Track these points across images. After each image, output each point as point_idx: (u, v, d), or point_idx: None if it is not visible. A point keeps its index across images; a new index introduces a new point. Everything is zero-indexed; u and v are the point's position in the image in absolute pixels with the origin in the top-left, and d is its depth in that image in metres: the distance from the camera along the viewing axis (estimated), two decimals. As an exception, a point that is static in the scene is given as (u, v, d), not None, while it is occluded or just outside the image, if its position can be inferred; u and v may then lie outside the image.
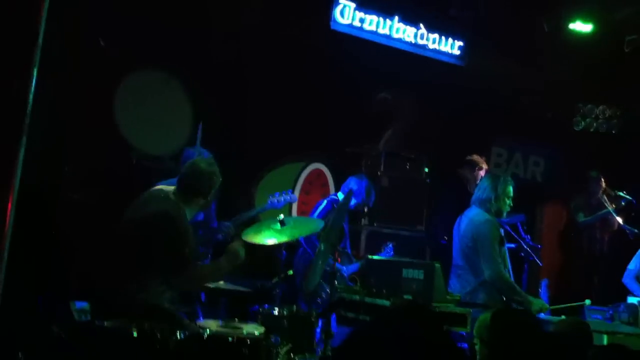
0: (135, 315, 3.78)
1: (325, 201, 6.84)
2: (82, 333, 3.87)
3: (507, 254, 5.68)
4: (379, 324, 2.50)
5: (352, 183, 6.91)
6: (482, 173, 8.07)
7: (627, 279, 7.05)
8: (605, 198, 8.31)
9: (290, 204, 7.35)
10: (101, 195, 6.10)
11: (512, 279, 5.56)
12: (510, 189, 5.57)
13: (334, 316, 5.04)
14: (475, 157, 8.17)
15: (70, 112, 6.09)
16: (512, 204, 5.64)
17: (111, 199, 5.74)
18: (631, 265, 7.10)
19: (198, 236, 5.64)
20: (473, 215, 5.57)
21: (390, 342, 2.27)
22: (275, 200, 6.49)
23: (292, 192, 6.75)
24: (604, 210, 8.29)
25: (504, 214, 5.62)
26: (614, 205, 8.26)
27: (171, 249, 4.06)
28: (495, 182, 5.57)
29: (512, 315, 3.75)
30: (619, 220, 8.05)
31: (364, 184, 6.92)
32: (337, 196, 6.83)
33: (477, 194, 5.64)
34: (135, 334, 3.63)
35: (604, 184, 8.44)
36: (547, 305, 5.52)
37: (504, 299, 5.38)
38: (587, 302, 5.92)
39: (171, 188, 4.39)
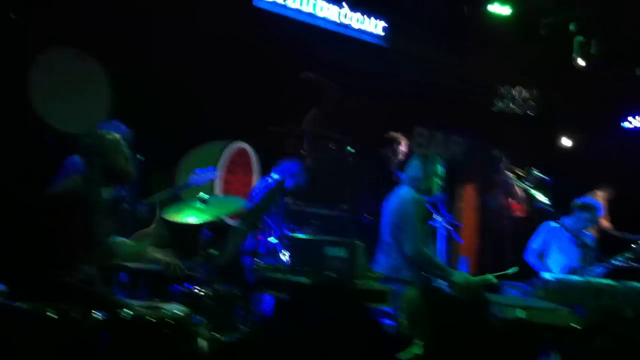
0: (53, 297, 3.68)
1: (261, 181, 6.84)
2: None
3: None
4: (299, 300, 2.51)
5: (290, 166, 6.95)
6: (402, 148, 8.19)
7: (531, 257, 7.29)
8: (510, 174, 8.50)
9: (212, 184, 7.29)
10: (16, 176, 5.89)
11: (435, 255, 5.68)
12: (439, 167, 5.66)
13: (267, 296, 5.04)
14: (394, 134, 8.28)
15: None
16: (441, 183, 5.73)
17: (26, 180, 5.54)
18: (534, 244, 7.35)
19: (123, 210, 5.54)
20: (402, 194, 5.65)
21: (309, 318, 2.27)
22: (197, 177, 6.43)
23: (214, 168, 6.67)
24: (504, 182, 8.46)
25: (434, 193, 5.70)
26: (525, 182, 8.47)
27: (79, 225, 3.93)
28: (423, 161, 5.65)
29: (434, 291, 3.83)
30: (539, 197, 8.27)
31: (301, 166, 6.99)
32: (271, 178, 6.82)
33: (407, 172, 5.70)
34: (52, 316, 3.54)
35: (507, 161, 8.64)
36: (469, 275, 5.61)
37: (424, 273, 5.48)
38: (512, 269, 6.08)
39: None
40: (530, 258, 7.30)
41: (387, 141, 8.30)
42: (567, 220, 7.14)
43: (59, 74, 6.41)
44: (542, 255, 7.29)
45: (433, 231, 6.74)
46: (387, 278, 5.30)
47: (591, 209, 7.22)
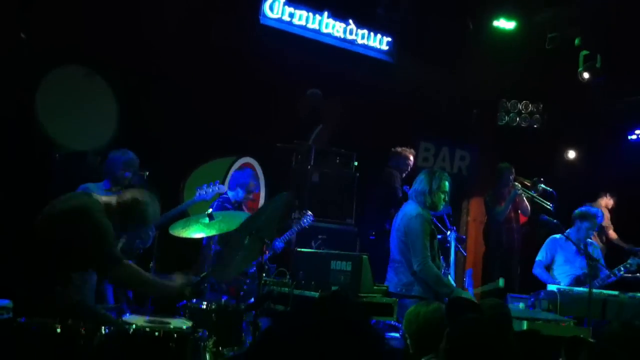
0: (58, 312, 3.71)
1: (215, 203, 6.86)
2: (2, 331, 3.77)
3: (446, 242, 5.79)
4: (300, 313, 2.53)
5: (239, 177, 6.91)
6: (409, 163, 8.23)
7: (538, 270, 7.31)
8: (518, 185, 8.53)
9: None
10: (23, 191, 5.95)
11: (442, 271, 5.68)
12: (446, 184, 5.68)
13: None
14: (401, 149, 8.32)
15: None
16: (447, 199, 5.76)
17: (33, 196, 5.60)
18: (539, 257, 7.38)
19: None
20: (407, 210, 5.67)
21: (311, 331, 2.29)
22: (204, 192, 6.47)
23: (220, 183, 6.70)
24: (512, 192, 8.51)
25: (440, 208, 5.73)
26: (531, 192, 8.50)
27: (91, 244, 3.97)
28: (430, 176, 5.66)
29: (438, 309, 3.83)
30: (545, 202, 8.26)
31: (249, 174, 7.04)
32: (227, 194, 6.79)
33: (414, 187, 5.72)
34: (58, 331, 3.57)
35: (514, 173, 8.67)
36: (473, 299, 5.59)
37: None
38: (501, 281, 6.08)
39: (103, 198, 4.30)
40: (537, 270, 7.32)
41: (393, 156, 8.35)
42: (571, 231, 7.16)
43: (67, 92, 6.50)
44: (549, 267, 7.31)
45: (443, 246, 6.77)
46: (397, 295, 5.30)
47: (590, 217, 7.25)
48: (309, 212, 7.16)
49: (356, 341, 2.29)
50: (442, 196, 5.65)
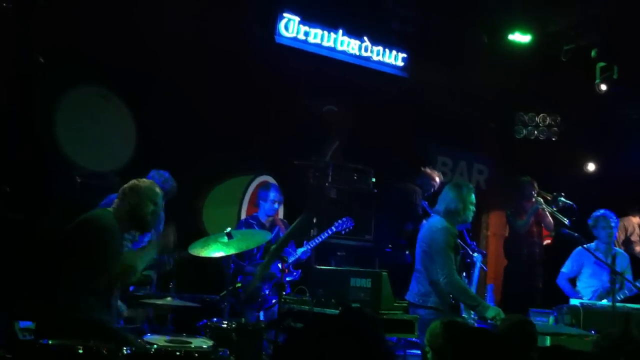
0: (80, 333, 3.74)
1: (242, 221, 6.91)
2: (26, 352, 3.80)
3: (471, 262, 5.79)
4: (314, 329, 2.53)
5: (265, 193, 6.95)
6: (434, 184, 8.21)
7: (562, 281, 7.26)
8: (540, 199, 8.50)
9: (237, 215, 7.39)
10: (44, 214, 6.01)
11: (474, 287, 5.67)
12: (473, 196, 5.69)
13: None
14: (428, 170, 8.31)
15: (11, 130, 6.00)
16: (474, 212, 5.76)
17: (54, 218, 5.65)
18: (564, 268, 7.32)
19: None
20: (432, 222, 5.68)
21: (323, 347, 2.30)
22: None
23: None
24: (534, 206, 8.47)
25: (469, 220, 5.74)
26: (552, 207, 8.46)
27: (89, 256, 4.01)
28: (460, 192, 5.65)
29: (462, 324, 3.82)
30: (562, 217, 8.21)
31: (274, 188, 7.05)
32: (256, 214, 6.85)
33: (443, 205, 5.68)
34: (80, 352, 3.59)
35: (536, 187, 8.64)
36: (502, 314, 5.49)
37: (453, 301, 5.45)
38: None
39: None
40: (561, 282, 7.26)
41: (421, 175, 8.31)
42: (593, 243, 7.12)
43: (85, 113, 6.57)
44: (574, 279, 7.26)
45: (464, 261, 6.74)
46: (413, 305, 5.30)
47: (599, 219, 7.19)
48: (345, 218, 7.09)
49: (366, 357, 2.29)
50: (472, 208, 5.66)
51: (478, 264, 6.59)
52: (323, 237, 6.94)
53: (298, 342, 2.34)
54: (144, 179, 4.52)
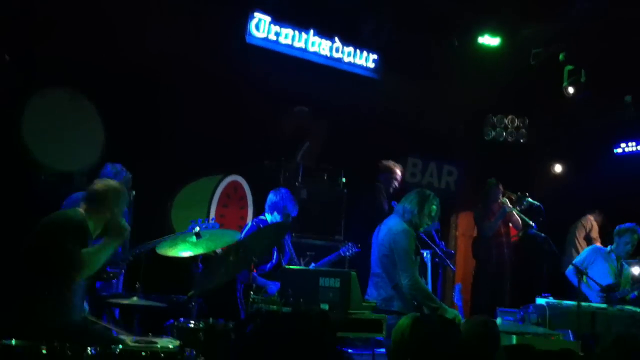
0: (45, 333, 3.68)
1: (250, 223, 6.83)
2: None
3: (423, 262, 5.81)
4: (266, 328, 2.53)
5: (279, 200, 6.67)
6: (396, 177, 8.26)
7: (570, 273, 7.32)
8: (506, 200, 8.59)
9: (207, 216, 7.31)
10: (8, 214, 5.93)
11: (429, 286, 5.69)
12: (434, 208, 5.70)
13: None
14: (388, 163, 8.35)
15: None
16: (430, 223, 5.78)
17: (18, 218, 5.58)
18: (576, 260, 7.45)
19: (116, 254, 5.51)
20: (392, 225, 5.67)
21: (273, 346, 2.30)
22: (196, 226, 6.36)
23: (214, 219, 6.63)
24: (501, 210, 8.56)
25: (420, 230, 5.75)
26: (517, 207, 8.55)
27: (56, 246, 3.97)
28: (422, 199, 5.67)
29: (428, 321, 3.82)
30: (527, 219, 8.29)
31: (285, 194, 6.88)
32: (264, 216, 6.73)
33: (404, 204, 5.71)
34: (44, 352, 3.54)
35: (502, 189, 8.73)
36: (460, 316, 5.56)
37: (415, 303, 5.48)
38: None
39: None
40: (569, 273, 7.34)
41: (380, 170, 8.37)
42: (613, 248, 7.34)
43: (53, 114, 6.48)
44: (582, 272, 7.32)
45: (435, 261, 6.80)
46: (378, 310, 5.30)
47: (625, 232, 7.31)
48: (350, 244, 7.16)
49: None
50: (427, 220, 5.68)
51: (429, 263, 6.69)
52: (329, 259, 7.05)
53: (250, 341, 2.34)
54: (113, 182, 4.44)
